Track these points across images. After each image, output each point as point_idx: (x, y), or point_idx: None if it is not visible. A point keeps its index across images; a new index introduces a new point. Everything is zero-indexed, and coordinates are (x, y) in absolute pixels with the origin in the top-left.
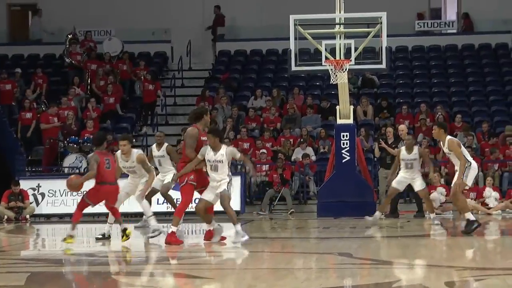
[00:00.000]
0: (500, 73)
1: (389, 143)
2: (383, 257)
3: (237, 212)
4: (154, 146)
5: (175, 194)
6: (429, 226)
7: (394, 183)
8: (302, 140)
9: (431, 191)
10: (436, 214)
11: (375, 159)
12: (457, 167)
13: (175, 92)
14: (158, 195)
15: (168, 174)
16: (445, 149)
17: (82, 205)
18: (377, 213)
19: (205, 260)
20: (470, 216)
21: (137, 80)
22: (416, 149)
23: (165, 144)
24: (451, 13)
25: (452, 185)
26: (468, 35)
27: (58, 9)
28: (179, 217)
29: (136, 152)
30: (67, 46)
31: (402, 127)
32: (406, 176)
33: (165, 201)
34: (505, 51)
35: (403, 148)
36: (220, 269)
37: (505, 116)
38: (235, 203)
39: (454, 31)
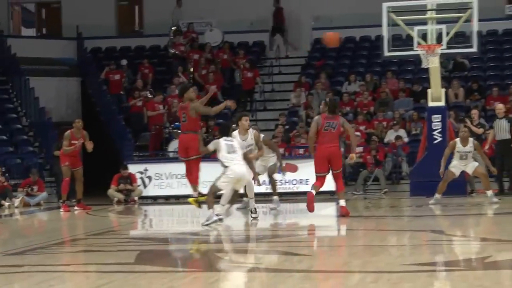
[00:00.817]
0: None
1: (474, 124)
2: (475, 234)
3: (332, 192)
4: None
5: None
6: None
7: (451, 167)
8: (395, 122)
9: None
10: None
11: None
12: None
13: (272, 79)
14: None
15: (270, 158)
16: None
17: None
18: (437, 195)
19: (304, 238)
20: None
21: (237, 68)
22: (471, 141)
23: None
24: None
25: None
26: None
27: (161, 2)
28: None
29: (252, 130)
30: (172, 37)
31: (500, 106)
32: (462, 163)
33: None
34: None
35: (458, 140)
36: (318, 247)
37: None
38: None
39: None
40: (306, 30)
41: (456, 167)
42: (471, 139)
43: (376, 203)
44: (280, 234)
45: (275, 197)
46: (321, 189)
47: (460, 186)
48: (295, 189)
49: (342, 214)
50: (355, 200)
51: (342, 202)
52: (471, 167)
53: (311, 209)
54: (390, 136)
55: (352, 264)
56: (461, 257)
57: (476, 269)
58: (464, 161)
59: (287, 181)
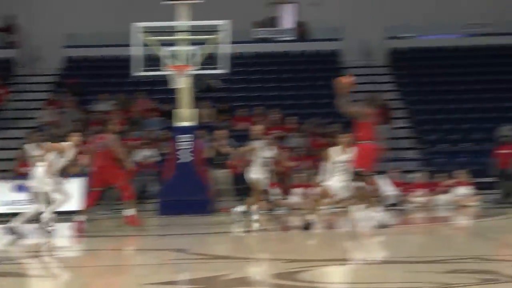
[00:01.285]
0: (331, 77)
1: (222, 144)
2: (217, 252)
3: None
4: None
5: None
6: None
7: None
8: (145, 142)
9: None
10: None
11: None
12: None
13: (21, 96)
14: None
15: None
16: None
17: None
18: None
19: (42, 259)
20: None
21: None
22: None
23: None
24: (287, 22)
25: None
26: (303, 42)
27: None
28: None
29: None
30: None
31: (259, 127)
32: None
33: None
34: (336, 58)
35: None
36: (60, 268)
37: (336, 117)
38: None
39: (290, 38)
40: (57, 47)
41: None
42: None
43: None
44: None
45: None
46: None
47: (204, 205)
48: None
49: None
50: (103, 219)
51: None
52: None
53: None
54: (140, 156)
55: (94, 284)
56: (201, 275)
57: (215, 286)
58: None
59: None
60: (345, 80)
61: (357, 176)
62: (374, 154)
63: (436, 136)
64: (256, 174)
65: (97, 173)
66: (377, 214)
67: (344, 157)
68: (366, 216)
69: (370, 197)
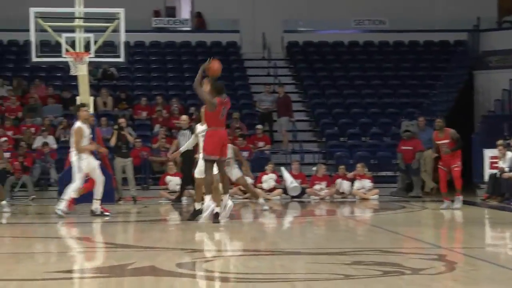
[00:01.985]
0: (230, 69)
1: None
2: (120, 241)
3: None
4: None
5: None
6: (165, 211)
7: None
8: (43, 129)
9: (166, 177)
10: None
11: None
12: None
13: None
14: None
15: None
16: None
17: None
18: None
19: None
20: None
21: None
22: (230, 147)
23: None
24: (185, 12)
25: None
26: (201, 33)
27: None
28: None
29: None
30: None
31: (184, 117)
32: None
33: None
34: (234, 49)
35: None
36: None
37: (235, 109)
38: None
39: (188, 28)
40: None
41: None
42: (230, 145)
43: (23, 210)
44: None
45: None
46: None
47: (109, 194)
48: None
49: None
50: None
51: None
52: (234, 174)
53: None
54: (38, 142)
55: None
56: (105, 264)
57: (120, 275)
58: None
59: None
60: (217, 66)
61: (207, 162)
62: (221, 140)
63: (335, 130)
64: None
65: None
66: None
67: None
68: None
69: (221, 184)
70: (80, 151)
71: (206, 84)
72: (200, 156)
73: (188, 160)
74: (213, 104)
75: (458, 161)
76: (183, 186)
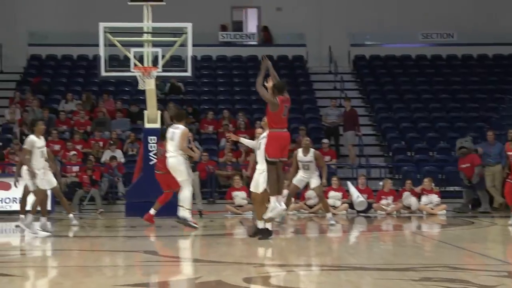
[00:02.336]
0: (296, 83)
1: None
2: (186, 255)
3: (48, 211)
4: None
5: None
6: (231, 225)
7: (294, 181)
8: (111, 142)
9: (232, 192)
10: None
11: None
12: None
13: None
14: None
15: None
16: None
17: None
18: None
19: (15, 258)
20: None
21: None
22: (312, 151)
23: (312, 150)
24: (252, 26)
25: None
26: (267, 47)
27: None
28: None
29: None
30: None
31: (260, 131)
32: (305, 176)
33: None
34: (300, 63)
35: (300, 150)
36: (29, 267)
37: (301, 123)
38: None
39: (255, 43)
40: (22, 45)
41: (300, 181)
42: (312, 149)
43: (91, 223)
44: None
45: None
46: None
47: (175, 207)
48: (8, 207)
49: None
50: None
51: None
52: (314, 183)
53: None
54: (106, 156)
55: (63, 285)
56: (172, 278)
57: None
58: (307, 171)
59: None
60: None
61: (270, 164)
62: (284, 141)
63: (402, 144)
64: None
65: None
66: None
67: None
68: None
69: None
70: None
71: (270, 81)
72: (256, 169)
73: None
74: (274, 103)
75: None
76: None
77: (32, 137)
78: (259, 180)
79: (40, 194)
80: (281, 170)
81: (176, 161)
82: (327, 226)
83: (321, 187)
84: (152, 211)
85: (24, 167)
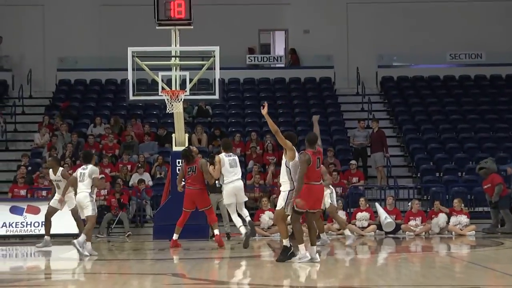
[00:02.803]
0: (324, 104)
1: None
2: (214, 277)
3: (76, 235)
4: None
5: None
6: (258, 247)
7: None
8: (139, 165)
9: (260, 214)
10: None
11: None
12: None
13: (15, 118)
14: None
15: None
16: None
17: None
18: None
19: (43, 282)
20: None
21: None
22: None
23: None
24: (279, 49)
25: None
26: (295, 69)
27: None
28: None
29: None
30: None
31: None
32: None
33: None
34: (328, 85)
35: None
36: None
37: (328, 145)
38: (73, 226)
39: (282, 65)
40: (51, 70)
41: None
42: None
43: (119, 246)
44: (20, 278)
45: None
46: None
47: (203, 230)
48: (37, 231)
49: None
50: (99, 243)
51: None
52: (325, 202)
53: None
54: (134, 179)
55: None
56: None
57: None
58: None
59: (29, 223)
60: None
61: (296, 213)
62: (315, 195)
63: (430, 165)
64: None
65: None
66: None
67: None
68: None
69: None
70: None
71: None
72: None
73: None
74: (307, 160)
75: None
76: None
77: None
78: (279, 200)
79: (94, 219)
80: (312, 221)
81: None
82: (346, 244)
83: (333, 206)
84: (174, 237)
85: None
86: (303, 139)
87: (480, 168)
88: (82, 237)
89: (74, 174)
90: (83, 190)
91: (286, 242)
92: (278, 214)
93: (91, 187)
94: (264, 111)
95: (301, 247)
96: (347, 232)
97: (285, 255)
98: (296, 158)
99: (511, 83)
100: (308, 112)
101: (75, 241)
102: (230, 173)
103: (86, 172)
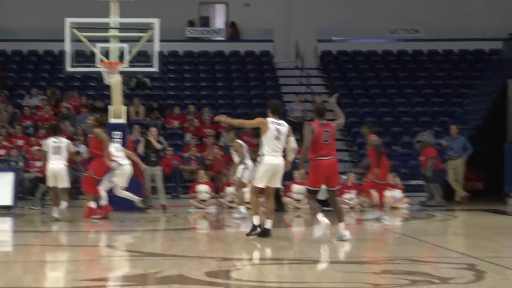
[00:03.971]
0: (263, 78)
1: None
2: (148, 249)
3: (9, 207)
4: None
5: None
6: (194, 219)
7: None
8: (76, 138)
9: (196, 186)
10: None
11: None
12: None
13: None
14: None
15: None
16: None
17: None
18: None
19: None
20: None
21: None
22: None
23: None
24: (219, 22)
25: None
26: (234, 42)
27: None
28: None
29: None
30: None
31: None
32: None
33: None
34: (267, 59)
35: None
36: None
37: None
38: (7, 198)
39: (222, 38)
40: None
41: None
42: (236, 140)
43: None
44: None
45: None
46: None
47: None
48: None
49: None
50: (32, 215)
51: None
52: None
53: None
54: None
55: (24, 280)
56: (133, 273)
57: (147, 284)
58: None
59: None
60: None
61: (310, 193)
62: (324, 170)
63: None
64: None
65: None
66: None
67: None
68: None
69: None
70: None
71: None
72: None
73: None
74: (311, 131)
75: None
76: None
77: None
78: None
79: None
80: (335, 199)
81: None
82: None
83: (239, 180)
84: (92, 204)
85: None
86: (241, 113)
87: (417, 141)
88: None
89: (43, 147)
90: (62, 162)
91: (255, 220)
92: (251, 188)
93: None
94: (219, 118)
95: (319, 215)
96: (241, 208)
97: (253, 230)
98: (269, 132)
99: (448, 58)
100: (247, 85)
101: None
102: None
103: (63, 146)
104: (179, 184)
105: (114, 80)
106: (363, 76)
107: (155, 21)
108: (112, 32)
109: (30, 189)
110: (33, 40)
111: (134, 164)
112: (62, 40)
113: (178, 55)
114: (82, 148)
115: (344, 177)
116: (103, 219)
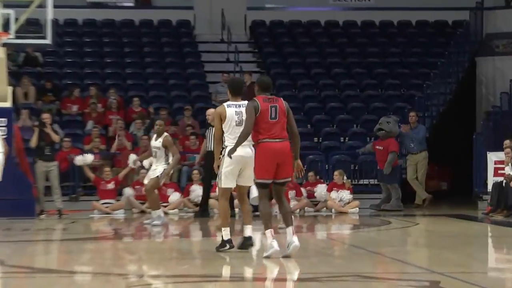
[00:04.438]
0: (181, 53)
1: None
2: (41, 265)
3: None
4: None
5: None
6: (98, 227)
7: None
8: None
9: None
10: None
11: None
12: None
13: None
14: None
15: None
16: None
17: None
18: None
19: None
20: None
21: None
22: (163, 136)
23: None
24: None
25: None
26: (146, 9)
27: None
28: None
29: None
30: None
31: (211, 111)
32: (154, 165)
33: None
34: (187, 30)
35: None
36: None
37: (186, 103)
38: None
39: (131, 4)
40: None
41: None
42: (165, 133)
43: None
44: None
45: None
46: None
47: (28, 206)
48: None
49: None
50: None
51: None
52: (149, 174)
53: None
54: None
55: None
56: None
57: None
58: (155, 160)
59: None
60: None
61: (259, 187)
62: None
63: (308, 129)
64: None
65: None
66: None
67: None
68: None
69: None
70: None
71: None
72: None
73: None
74: (254, 107)
75: None
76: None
77: None
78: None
79: None
80: (281, 194)
81: None
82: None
83: (156, 180)
84: None
85: None
86: (155, 95)
87: (379, 129)
88: None
89: None
90: None
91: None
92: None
93: None
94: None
95: (268, 233)
96: (156, 213)
97: (222, 246)
98: (227, 119)
99: (404, 31)
100: (162, 62)
101: None
102: None
103: None
104: (78, 184)
105: None
106: (302, 52)
107: None
108: None
109: None
110: None
111: (21, 157)
112: None
113: (77, 24)
114: None
115: None
116: None
